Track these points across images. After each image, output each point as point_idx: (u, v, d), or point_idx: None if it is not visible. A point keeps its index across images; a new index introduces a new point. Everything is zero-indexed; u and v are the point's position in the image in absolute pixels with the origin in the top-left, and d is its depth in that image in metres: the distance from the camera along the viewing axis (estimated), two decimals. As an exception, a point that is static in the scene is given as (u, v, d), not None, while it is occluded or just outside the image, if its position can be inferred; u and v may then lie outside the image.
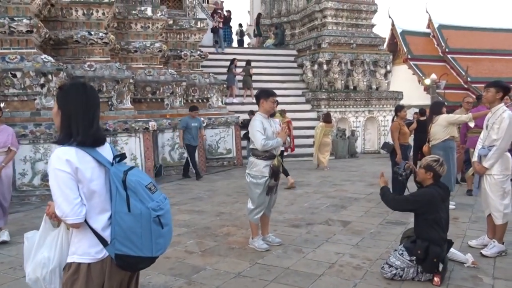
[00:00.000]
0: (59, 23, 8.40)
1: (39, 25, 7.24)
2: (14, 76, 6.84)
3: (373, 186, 7.42)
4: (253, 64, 14.23)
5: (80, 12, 8.39)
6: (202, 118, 9.40)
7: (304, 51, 15.52)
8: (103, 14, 8.51)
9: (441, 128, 5.73)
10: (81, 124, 1.68)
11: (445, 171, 3.33)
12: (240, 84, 13.87)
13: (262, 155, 4.01)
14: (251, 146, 4.11)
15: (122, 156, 1.75)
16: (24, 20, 7.01)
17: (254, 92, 13.76)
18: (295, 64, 15.74)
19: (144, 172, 1.79)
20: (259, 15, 18.03)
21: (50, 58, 7.19)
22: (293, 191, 7.21)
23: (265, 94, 4.11)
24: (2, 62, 6.84)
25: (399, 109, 6.68)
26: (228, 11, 18.09)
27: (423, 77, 22.47)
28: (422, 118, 8.19)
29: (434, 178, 3.30)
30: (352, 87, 14.67)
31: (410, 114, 16.12)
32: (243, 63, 13.91)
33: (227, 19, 17.52)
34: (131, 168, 1.71)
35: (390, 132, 6.88)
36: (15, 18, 6.99)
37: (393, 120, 7.10)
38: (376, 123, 14.54)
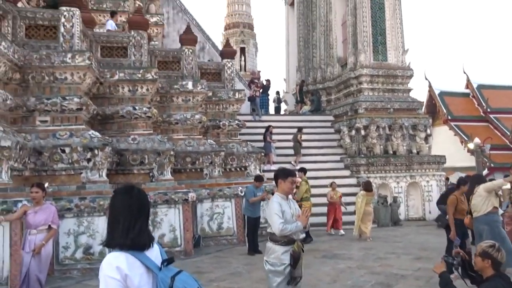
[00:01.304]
0: (107, 99, 8.88)
1: (88, 103, 7.68)
2: (63, 151, 7.16)
3: (420, 260, 7.04)
4: (289, 131, 14.39)
5: (126, 89, 8.86)
6: (240, 188, 9.42)
7: (341, 116, 15.60)
8: (147, 90, 8.96)
9: (482, 199, 5.47)
10: (124, 227, 1.71)
11: (504, 257, 3.10)
12: (278, 151, 13.99)
13: (280, 240, 3.66)
14: (268, 230, 3.79)
15: (170, 260, 1.75)
16: (75, 99, 7.45)
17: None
18: (332, 130, 15.78)
19: (191, 276, 1.77)
20: (303, 82, 18.36)
21: (97, 133, 7.53)
22: (336, 265, 6.93)
23: (283, 174, 3.84)
24: (53, 139, 7.21)
25: (462, 183, 6.12)
26: (268, 80, 18.64)
27: (467, 140, 21.90)
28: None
29: (494, 267, 3.05)
30: (391, 152, 14.45)
31: (454, 179, 15.59)
32: (280, 130, 14.10)
33: (266, 87, 18.06)
34: (179, 272, 1.71)
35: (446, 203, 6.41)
36: (67, 97, 7.44)
37: (449, 190, 6.80)
38: (419, 189, 14.09)
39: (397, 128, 14.58)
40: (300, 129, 14.16)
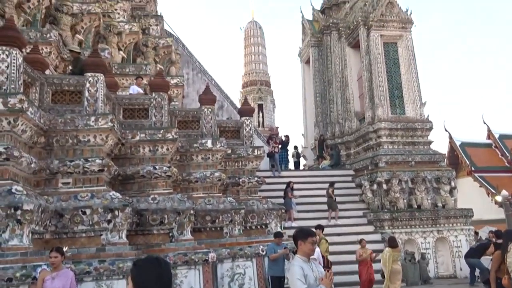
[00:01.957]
0: (128, 160, 8.99)
1: (109, 164, 7.77)
2: (84, 213, 7.17)
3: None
4: (309, 186, 14.25)
5: (147, 149, 8.99)
6: (261, 246, 9.20)
7: (361, 170, 15.44)
8: (167, 149, 9.06)
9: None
10: None
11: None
12: (299, 207, 13.79)
13: None
14: None
15: None
16: (97, 160, 7.55)
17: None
18: (353, 184, 15.57)
19: None
20: (321, 136, 18.41)
21: (117, 194, 7.56)
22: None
23: (303, 235, 3.69)
24: (74, 200, 7.25)
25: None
26: (286, 136, 18.79)
27: (493, 192, 21.28)
28: (499, 241, 7.52)
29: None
30: (415, 206, 14.09)
31: (484, 233, 15.01)
32: (301, 186, 13.97)
33: (285, 143, 18.17)
34: None
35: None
36: (89, 159, 7.56)
37: (481, 245, 6.48)
38: (448, 244, 13.55)
39: (420, 181, 14.30)
40: (332, 183, 14.02)
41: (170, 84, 12.60)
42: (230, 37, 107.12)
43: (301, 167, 19.92)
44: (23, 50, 7.09)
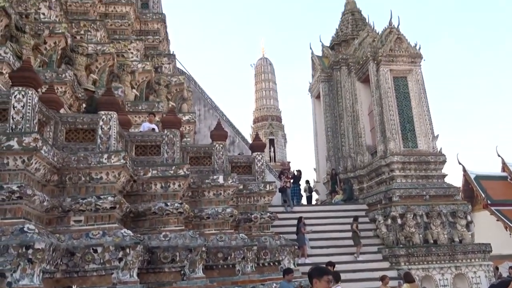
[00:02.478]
0: (139, 196, 8.99)
1: (121, 201, 7.77)
2: (95, 251, 7.12)
3: None
4: (323, 221, 14.04)
5: (159, 185, 8.99)
6: (274, 284, 9.00)
7: (375, 205, 15.21)
8: (179, 186, 9.05)
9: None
10: None
11: None
12: (312, 243, 13.55)
13: None
14: None
15: None
16: (109, 198, 7.56)
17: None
18: (367, 219, 15.32)
19: None
20: (333, 171, 18.28)
21: (129, 232, 7.51)
22: None
23: (318, 273, 3.60)
24: (86, 238, 7.21)
25: None
26: (299, 171, 18.71)
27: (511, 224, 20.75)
28: (521, 278, 7.24)
29: None
30: (432, 241, 13.76)
31: (504, 269, 14.52)
32: (313, 221, 13.77)
33: (297, 178, 18.09)
34: None
35: None
36: (101, 196, 7.56)
37: (503, 282, 6.20)
38: (467, 281, 13.13)
39: (435, 216, 14.02)
40: (356, 218, 13.83)
41: (182, 120, 12.75)
42: (241, 74, 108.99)
43: (314, 202, 19.72)
44: (39, 90, 7.26)
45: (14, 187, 6.12)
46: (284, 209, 15.52)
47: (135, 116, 13.13)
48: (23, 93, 6.61)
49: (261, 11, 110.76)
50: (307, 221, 13.86)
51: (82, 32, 13.51)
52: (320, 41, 21.19)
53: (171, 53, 18.79)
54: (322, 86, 19.89)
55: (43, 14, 12.12)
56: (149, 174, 8.87)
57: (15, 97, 6.58)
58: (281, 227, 13.61)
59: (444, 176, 15.44)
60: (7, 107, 6.65)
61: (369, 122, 17.73)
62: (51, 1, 12.34)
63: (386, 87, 16.15)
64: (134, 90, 14.22)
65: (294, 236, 13.03)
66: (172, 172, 8.94)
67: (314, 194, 20.37)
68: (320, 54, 21.20)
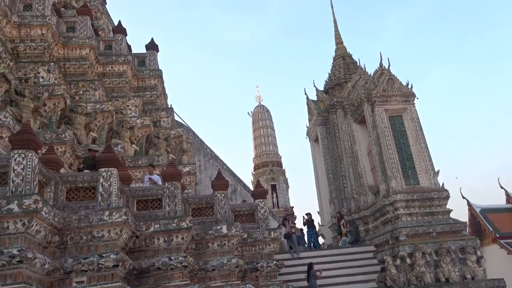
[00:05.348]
0: (143, 252, 8.86)
1: (124, 258, 7.65)
2: (99, 312, 6.93)
3: None
4: (329, 266, 13.73)
5: (162, 239, 8.88)
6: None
7: (382, 246, 14.94)
8: (182, 238, 8.94)
9: None
10: None
11: None
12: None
13: None
14: None
15: None
16: (112, 256, 7.44)
17: None
18: (375, 261, 14.98)
19: None
20: (338, 213, 18.09)
21: (133, 290, 7.35)
22: None
23: None
24: (89, 300, 7.04)
25: None
26: (308, 214, 18.45)
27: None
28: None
29: None
30: (444, 280, 13.40)
31: (521, 305, 14.03)
32: (322, 266, 13.46)
33: (309, 222, 17.94)
34: None
35: None
36: (104, 255, 7.45)
37: None
38: (484, 321, 12.66)
39: (445, 253, 13.74)
40: (383, 269, 13.52)
41: (182, 172, 12.79)
42: (238, 122, 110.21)
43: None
44: (39, 151, 7.33)
45: (15, 251, 6.05)
46: (290, 256, 15.22)
47: (136, 171, 13.17)
48: (23, 155, 6.68)
49: (253, 61, 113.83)
50: (316, 266, 13.53)
51: (80, 92, 13.81)
52: (314, 86, 21.63)
53: (169, 106, 19.12)
54: (319, 129, 20.08)
55: (42, 77, 12.45)
56: (152, 229, 8.78)
57: (15, 160, 6.65)
58: (289, 274, 13.30)
59: (449, 211, 15.28)
60: (7, 171, 6.70)
61: (369, 162, 17.75)
62: (50, 65, 12.71)
63: (383, 126, 16.31)
64: (134, 145, 14.35)
65: (303, 284, 12.69)
66: (174, 225, 8.86)
67: (320, 238, 20.04)
68: (315, 98, 21.56)
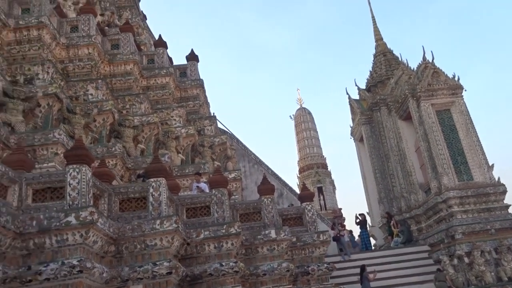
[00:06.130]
0: (194, 259, 9.01)
1: (177, 265, 7.82)
2: (156, 319, 7.10)
3: None
4: (383, 267, 13.40)
5: (212, 246, 9.00)
6: None
7: (437, 245, 14.43)
8: (232, 244, 9.02)
9: None
10: None
11: None
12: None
13: None
14: None
15: None
16: (165, 263, 7.62)
17: None
18: (430, 261, 14.48)
19: None
20: (388, 213, 17.69)
21: (187, 296, 7.48)
22: None
23: None
24: (146, 307, 7.23)
25: None
26: (362, 214, 18.20)
27: None
28: None
29: None
30: (506, 279, 12.76)
31: None
32: (375, 268, 13.17)
33: (363, 222, 17.68)
34: None
35: None
36: (157, 263, 7.65)
37: None
38: (553, 320, 11.91)
39: (505, 250, 13.09)
40: (439, 270, 13.12)
41: (228, 178, 12.91)
42: (281, 126, 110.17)
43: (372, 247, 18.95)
44: (92, 165, 7.64)
45: (75, 262, 6.33)
46: (341, 259, 14.99)
47: (183, 180, 13.45)
48: (77, 170, 6.99)
49: (292, 64, 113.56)
50: (367, 268, 13.26)
51: (127, 106, 14.31)
52: (356, 85, 21.30)
53: (212, 115, 19.43)
54: (363, 128, 19.73)
55: (91, 94, 13.00)
56: (202, 236, 8.92)
57: (70, 174, 6.96)
58: (340, 277, 13.10)
59: (507, 206, 14.53)
60: (64, 185, 7.03)
61: (417, 159, 17.23)
62: (98, 82, 13.26)
63: (430, 122, 15.80)
64: (180, 155, 14.67)
65: (356, 286, 12.46)
66: (223, 231, 8.95)
67: (371, 239, 19.62)
68: (357, 97, 21.23)
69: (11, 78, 11.48)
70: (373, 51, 21.92)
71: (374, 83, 20.28)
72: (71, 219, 6.47)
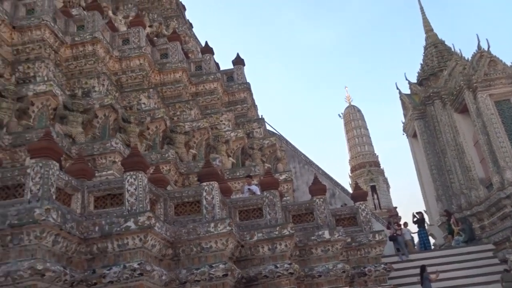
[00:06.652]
0: (249, 261, 9.08)
1: (232, 267, 7.92)
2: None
3: None
4: (444, 267, 12.87)
5: (266, 248, 9.03)
6: None
7: (503, 243, 13.65)
8: (286, 246, 9.02)
9: None
10: None
11: None
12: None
13: None
14: None
15: None
16: (221, 265, 7.75)
17: None
18: (496, 260, 13.73)
19: None
20: (447, 211, 17.01)
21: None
22: None
23: None
24: (204, 308, 7.38)
25: None
26: (419, 213, 17.60)
27: None
28: None
29: None
30: None
31: None
32: (435, 269, 12.68)
33: (421, 221, 17.09)
34: None
35: None
36: (213, 265, 7.79)
37: None
38: None
39: None
40: (507, 270, 12.48)
41: (279, 180, 12.91)
42: (329, 125, 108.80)
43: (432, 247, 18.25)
44: (147, 171, 7.92)
45: (135, 265, 6.58)
46: (398, 259, 14.56)
47: (235, 183, 13.60)
48: (134, 177, 7.27)
49: (339, 62, 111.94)
50: (428, 269, 12.78)
51: (178, 113, 14.70)
52: (406, 79, 20.65)
53: (260, 117, 19.52)
54: (417, 124, 19.08)
55: (144, 103, 13.47)
56: (255, 238, 8.97)
57: (127, 181, 7.25)
58: (399, 278, 12.71)
59: None
60: (122, 192, 7.32)
61: (476, 153, 16.43)
62: (149, 91, 13.72)
63: (489, 113, 15.02)
64: (230, 158, 14.86)
65: (416, 287, 12.04)
66: (277, 233, 8.96)
67: (430, 238, 18.91)
68: (408, 92, 20.57)
69: (70, 92, 12.14)
70: (423, 43, 21.18)
71: (426, 76, 19.57)
72: (130, 224, 6.73)
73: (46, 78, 11.39)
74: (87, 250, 6.81)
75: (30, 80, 11.36)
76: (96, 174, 9.43)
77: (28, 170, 6.49)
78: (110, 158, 10.48)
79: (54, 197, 6.45)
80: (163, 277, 7.20)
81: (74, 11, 14.91)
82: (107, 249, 6.78)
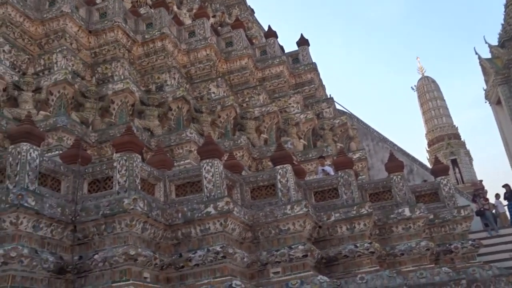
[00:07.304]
0: (328, 241, 9.07)
1: (312, 248, 7.98)
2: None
3: None
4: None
5: (344, 228, 8.96)
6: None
7: None
8: (365, 225, 8.88)
9: None
10: None
11: None
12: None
13: None
14: None
15: None
16: (300, 246, 7.83)
17: None
18: None
19: None
20: None
21: (325, 278, 7.62)
22: None
23: None
24: (286, 288, 7.52)
25: None
26: (507, 185, 16.35)
27: None
28: None
29: None
30: None
31: None
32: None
33: (509, 194, 15.82)
34: None
35: None
36: (292, 246, 7.89)
37: None
38: None
39: None
40: None
41: (353, 159, 12.70)
42: (402, 99, 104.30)
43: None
44: (222, 158, 8.16)
45: (218, 248, 6.86)
46: (487, 235, 13.75)
47: (308, 164, 13.58)
48: (210, 164, 7.53)
49: (408, 33, 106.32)
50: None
51: (247, 99, 14.91)
52: (486, 42, 19.23)
53: (328, 97, 19.21)
54: (500, 89, 17.73)
55: (213, 93, 13.82)
56: (333, 218, 8.93)
57: (204, 169, 7.54)
58: (488, 255, 12.02)
59: None
60: (200, 179, 7.62)
61: None
62: (218, 80, 14.03)
63: None
64: (301, 140, 14.83)
65: (508, 264, 11.33)
66: (354, 212, 8.85)
67: None
68: (488, 56, 19.12)
69: (145, 88, 12.77)
70: (503, 1, 19.48)
71: (509, 37, 18.06)
72: (210, 209, 7.01)
73: (122, 77, 12.07)
74: (173, 236, 7.21)
75: (108, 80, 12.10)
76: (175, 164, 9.89)
77: (115, 164, 6.96)
78: (186, 147, 10.93)
79: (139, 187, 6.88)
80: (245, 259, 7.44)
81: (142, 10, 15.58)
82: (191, 234, 7.13)
